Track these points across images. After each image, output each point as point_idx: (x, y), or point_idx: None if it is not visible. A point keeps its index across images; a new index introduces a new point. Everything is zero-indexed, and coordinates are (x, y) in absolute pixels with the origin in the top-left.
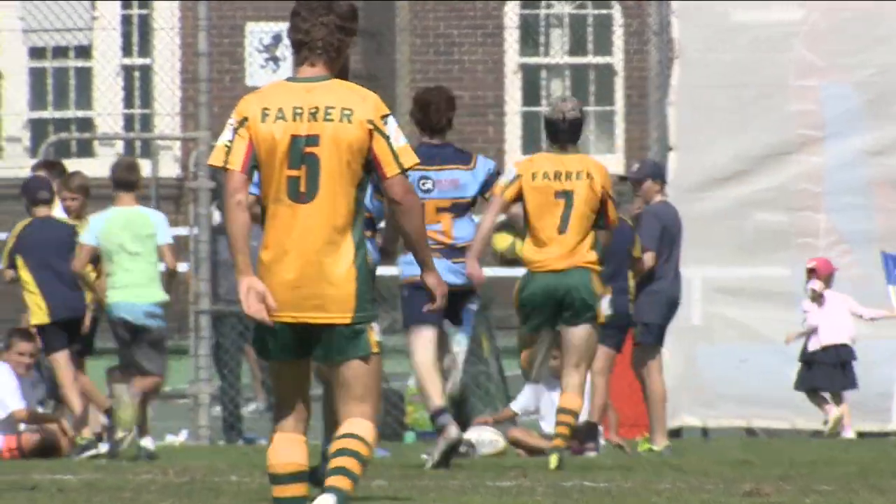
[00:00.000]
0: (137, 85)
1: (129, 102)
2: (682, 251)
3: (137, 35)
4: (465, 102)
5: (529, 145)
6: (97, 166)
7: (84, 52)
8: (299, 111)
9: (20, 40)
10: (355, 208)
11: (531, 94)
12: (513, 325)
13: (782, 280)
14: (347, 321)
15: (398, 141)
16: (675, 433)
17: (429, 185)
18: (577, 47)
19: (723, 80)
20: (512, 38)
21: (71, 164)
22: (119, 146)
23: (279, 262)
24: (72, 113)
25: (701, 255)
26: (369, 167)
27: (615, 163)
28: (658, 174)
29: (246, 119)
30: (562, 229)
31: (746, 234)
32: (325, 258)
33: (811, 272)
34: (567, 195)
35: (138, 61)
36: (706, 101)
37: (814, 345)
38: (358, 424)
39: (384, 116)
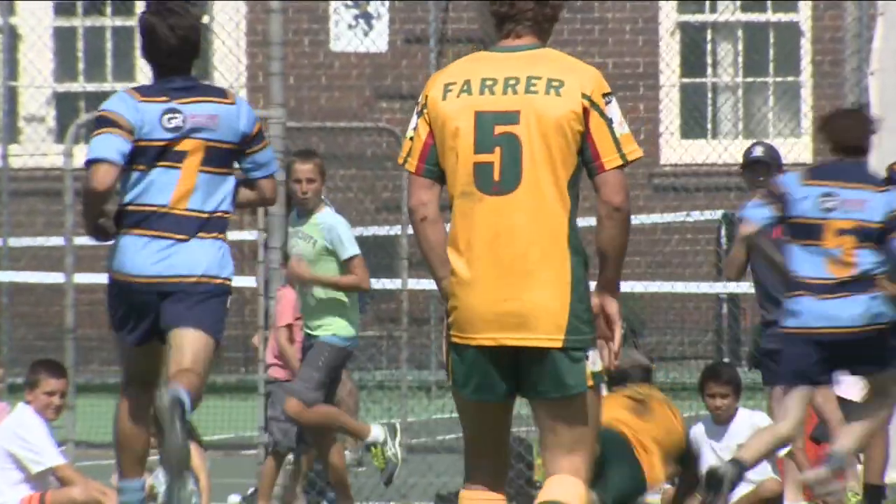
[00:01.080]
0: None
1: None
2: None
3: None
4: (609, 72)
5: (691, 125)
6: None
7: (124, 7)
8: (490, 83)
9: None
10: (571, 202)
11: (693, 61)
12: (668, 355)
13: None
14: (559, 345)
15: (622, 127)
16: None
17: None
18: (752, 2)
19: None
20: None
21: None
22: None
23: (472, 269)
24: (109, 85)
25: None
26: (584, 152)
27: (801, 147)
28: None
29: (426, 100)
30: None
31: None
32: (531, 264)
33: None
34: None
35: None
36: None
37: None
38: (560, 486)
39: (606, 95)
